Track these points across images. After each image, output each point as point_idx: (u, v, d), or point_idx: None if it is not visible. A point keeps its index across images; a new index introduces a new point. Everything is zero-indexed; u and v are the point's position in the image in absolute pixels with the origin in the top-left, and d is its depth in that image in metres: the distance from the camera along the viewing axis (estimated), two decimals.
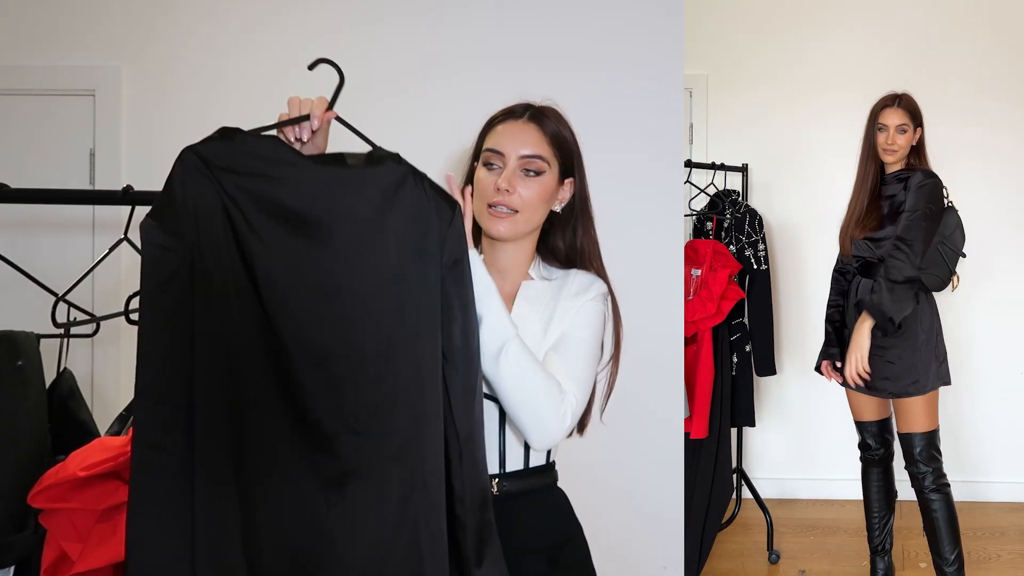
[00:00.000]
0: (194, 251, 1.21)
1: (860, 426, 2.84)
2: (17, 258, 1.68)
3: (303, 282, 1.21)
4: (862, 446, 2.87)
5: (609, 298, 1.52)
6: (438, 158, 1.79)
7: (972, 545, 3.38)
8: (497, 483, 1.44)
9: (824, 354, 2.78)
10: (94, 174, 2.47)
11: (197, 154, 1.22)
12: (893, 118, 2.66)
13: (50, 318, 1.60)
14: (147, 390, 1.23)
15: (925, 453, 2.67)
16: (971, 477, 3.80)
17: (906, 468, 2.71)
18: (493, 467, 1.44)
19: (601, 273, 1.53)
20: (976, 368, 3.78)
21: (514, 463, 1.47)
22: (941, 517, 2.66)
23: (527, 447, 1.46)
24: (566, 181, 1.51)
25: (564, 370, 1.40)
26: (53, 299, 1.63)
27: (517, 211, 1.43)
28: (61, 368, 1.60)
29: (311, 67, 1.33)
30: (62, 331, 1.63)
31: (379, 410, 1.22)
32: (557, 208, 1.51)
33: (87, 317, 1.69)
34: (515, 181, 1.43)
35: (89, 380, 2.42)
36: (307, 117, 1.30)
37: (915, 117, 2.68)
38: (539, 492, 1.51)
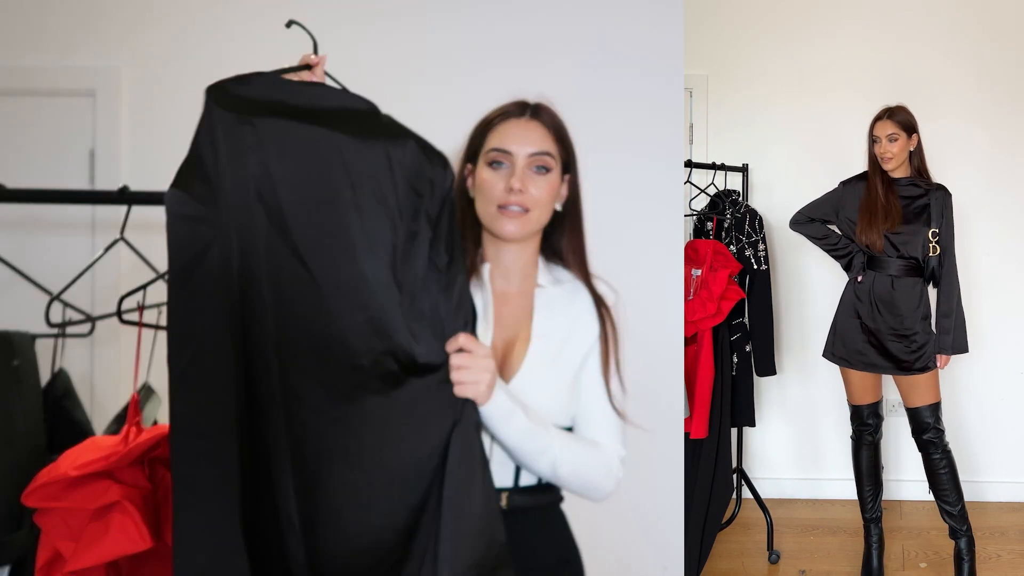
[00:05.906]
0: (227, 215, 1.07)
1: (857, 410, 3.08)
2: (16, 258, 1.69)
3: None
4: (860, 427, 3.09)
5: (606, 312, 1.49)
6: None
7: None
8: (507, 497, 1.38)
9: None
10: (94, 174, 2.47)
11: (224, 93, 1.10)
12: (883, 129, 2.93)
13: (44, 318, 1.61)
14: (182, 378, 1.10)
15: (935, 420, 2.95)
16: (971, 477, 3.78)
17: (921, 438, 2.95)
18: (507, 480, 1.39)
19: (587, 277, 1.50)
20: (976, 368, 3.77)
21: (528, 477, 1.41)
22: (951, 473, 2.94)
23: None
24: (565, 177, 1.46)
25: (602, 429, 1.45)
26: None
27: (529, 209, 1.38)
28: (56, 368, 1.61)
29: (288, 26, 1.48)
30: (57, 331, 1.63)
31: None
32: (558, 206, 1.46)
33: (82, 317, 1.69)
34: (527, 180, 1.38)
35: (87, 380, 2.42)
36: (308, 67, 1.38)
37: (906, 127, 2.94)
38: (546, 509, 1.46)
